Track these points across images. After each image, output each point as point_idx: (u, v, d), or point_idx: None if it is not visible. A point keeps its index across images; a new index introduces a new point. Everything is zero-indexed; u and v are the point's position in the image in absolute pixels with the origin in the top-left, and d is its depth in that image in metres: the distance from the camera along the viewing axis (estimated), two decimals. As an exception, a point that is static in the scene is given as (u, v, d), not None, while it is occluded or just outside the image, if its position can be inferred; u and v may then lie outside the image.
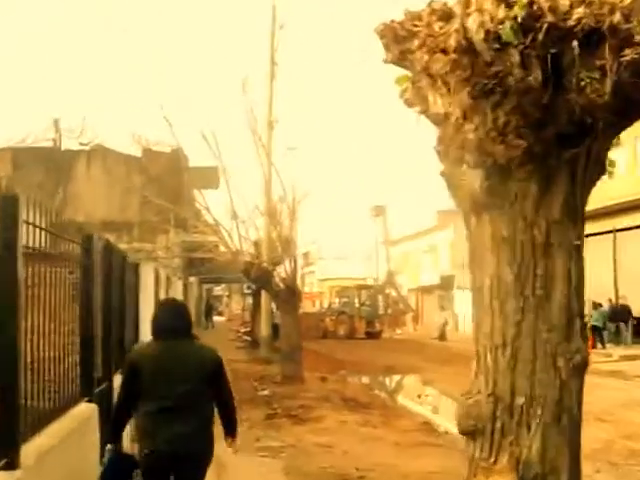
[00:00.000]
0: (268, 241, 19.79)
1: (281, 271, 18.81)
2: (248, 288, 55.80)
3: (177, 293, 23.73)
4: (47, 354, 4.76)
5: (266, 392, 16.50)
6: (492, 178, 3.29)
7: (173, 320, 5.01)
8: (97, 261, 6.55)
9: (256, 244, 19.45)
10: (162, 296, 16.12)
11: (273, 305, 22.88)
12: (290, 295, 18.10)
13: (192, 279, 33.60)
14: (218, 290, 70.55)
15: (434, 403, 18.63)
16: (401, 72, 3.49)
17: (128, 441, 6.62)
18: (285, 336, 18.43)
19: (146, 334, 9.06)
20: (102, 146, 25.59)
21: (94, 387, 6.40)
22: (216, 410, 5.06)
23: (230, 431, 5.20)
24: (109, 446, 5.10)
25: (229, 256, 18.33)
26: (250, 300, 63.80)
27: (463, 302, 47.45)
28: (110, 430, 5.23)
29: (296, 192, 17.47)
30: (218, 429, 5.18)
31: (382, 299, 43.14)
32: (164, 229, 22.13)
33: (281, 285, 18.26)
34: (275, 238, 18.22)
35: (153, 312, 5.36)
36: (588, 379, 3.66)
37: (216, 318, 56.29)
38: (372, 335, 41.86)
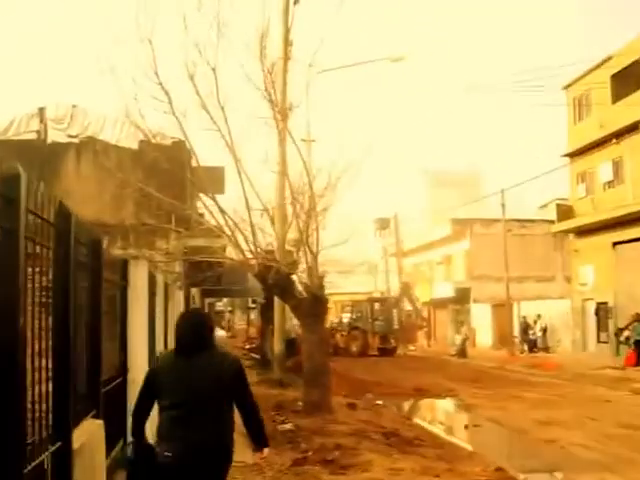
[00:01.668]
0: (282, 237, 16.70)
1: (302, 276, 15.81)
2: (253, 302, 53.04)
3: (178, 306, 20.79)
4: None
5: (288, 426, 13.44)
6: None
7: (194, 336, 5.01)
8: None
9: (271, 250, 16.33)
10: (160, 308, 13.24)
11: (294, 320, 19.81)
12: (315, 305, 15.07)
13: (194, 291, 30.52)
14: (220, 306, 67.46)
15: (490, 437, 15.59)
16: None
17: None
18: (308, 355, 15.38)
19: (139, 356, 8.79)
20: (93, 138, 22.42)
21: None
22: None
23: (259, 441, 5.25)
24: (131, 439, 5.26)
25: (241, 258, 15.30)
26: (253, 315, 61.44)
27: (480, 316, 44.57)
28: (132, 426, 5.25)
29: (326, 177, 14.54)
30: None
31: (397, 313, 40.06)
32: (164, 232, 18.90)
33: (304, 293, 15.27)
34: (298, 229, 15.05)
35: (176, 323, 5.28)
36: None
37: (219, 334, 53.22)
38: (386, 352, 38.93)
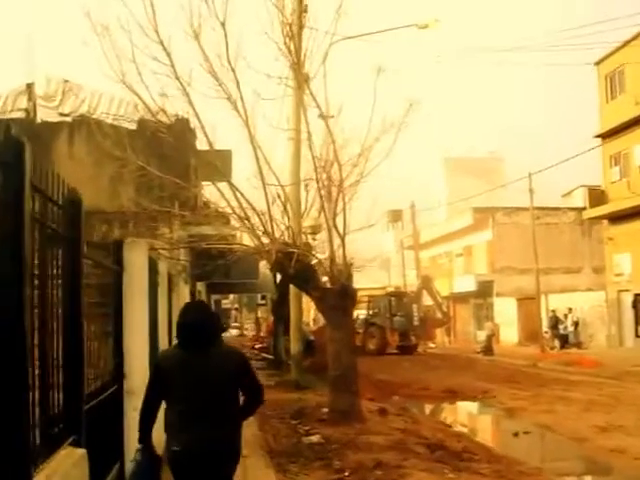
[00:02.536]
0: (299, 222, 14.61)
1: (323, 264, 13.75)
2: (262, 298, 51.08)
3: (183, 302, 18.78)
4: None
5: (315, 438, 11.34)
6: None
7: (198, 331, 4.90)
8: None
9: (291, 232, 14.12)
10: (163, 301, 11.29)
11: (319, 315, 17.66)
12: (342, 297, 13.00)
13: (200, 286, 28.43)
14: (226, 303, 65.42)
15: (546, 447, 13.51)
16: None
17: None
18: (335, 356, 13.27)
19: (138, 359, 7.54)
20: (88, 117, 20.16)
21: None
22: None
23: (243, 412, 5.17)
24: (139, 446, 5.03)
25: (256, 245, 13.23)
26: (261, 313, 59.52)
27: (504, 311, 42.34)
28: (139, 429, 5.04)
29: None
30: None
31: (417, 308, 37.82)
32: (167, 219, 16.71)
33: (328, 284, 13.19)
34: (322, 208, 12.92)
35: (180, 316, 5.11)
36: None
37: (230, 333, 51.36)
38: (406, 349, 36.64)
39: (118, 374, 7.08)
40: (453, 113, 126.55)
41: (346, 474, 9.05)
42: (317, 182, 12.73)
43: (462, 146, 70.00)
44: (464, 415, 18.29)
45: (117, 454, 6.80)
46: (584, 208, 38.67)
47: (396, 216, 64.05)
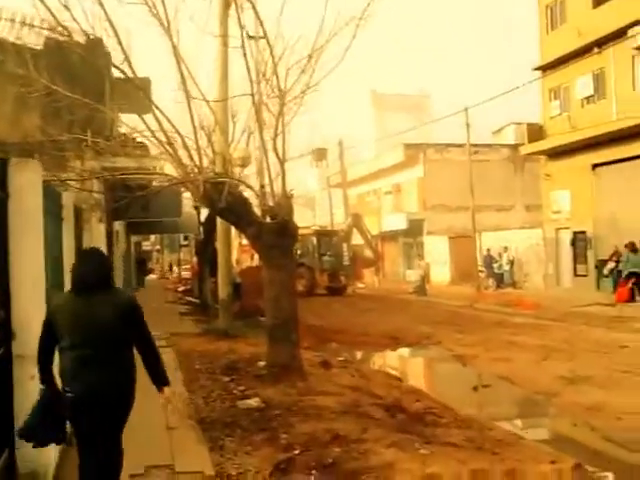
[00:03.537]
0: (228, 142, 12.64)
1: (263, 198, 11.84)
2: (185, 239, 48.78)
3: (97, 243, 16.62)
4: None
5: (253, 402, 9.53)
6: None
7: (91, 274, 4.99)
8: None
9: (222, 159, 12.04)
10: (69, 240, 9.28)
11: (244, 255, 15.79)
12: (281, 235, 11.16)
13: (119, 226, 26.10)
14: (147, 245, 62.85)
15: (516, 407, 12.11)
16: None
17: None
18: (273, 301, 11.45)
19: (31, 314, 5.94)
20: (-14, 34, 17.37)
21: None
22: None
23: (158, 380, 5.13)
24: (41, 386, 5.07)
25: (180, 173, 11.17)
26: (183, 255, 57.25)
27: (435, 250, 41.27)
28: (39, 372, 5.10)
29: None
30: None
31: (347, 248, 36.25)
32: (78, 149, 14.43)
33: (267, 218, 11.30)
34: (259, 126, 10.90)
35: (73, 262, 5.30)
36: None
37: (150, 277, 49.07)
38: (336, 291, 35.31)
39: (5, 335, 5.85)
40: (382, 47, 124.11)
41: (297, 452, 7.30)
42: (252, 96, 10.65)
43: (390, 82, 68.30)
44: (413, 365, 16.87)
45: (5, 438, 5.73)
46: (517, 145, 37.55)
47: (321, 154, 62.22)
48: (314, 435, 7.89)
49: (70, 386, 4.85)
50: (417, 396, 11.10)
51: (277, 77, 10.08)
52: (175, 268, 58.61)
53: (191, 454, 7.36)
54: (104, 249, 19.12)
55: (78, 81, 14.04)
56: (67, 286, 8.53)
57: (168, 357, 13.75)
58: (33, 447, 5.19)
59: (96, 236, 16.44)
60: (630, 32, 25.64)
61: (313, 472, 6.79)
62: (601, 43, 27.45)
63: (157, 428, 8.15)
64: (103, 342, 4.84)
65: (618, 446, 8.82)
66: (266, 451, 7.42)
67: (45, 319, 5.12)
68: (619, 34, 26.23)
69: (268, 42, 9.97)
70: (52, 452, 6.13)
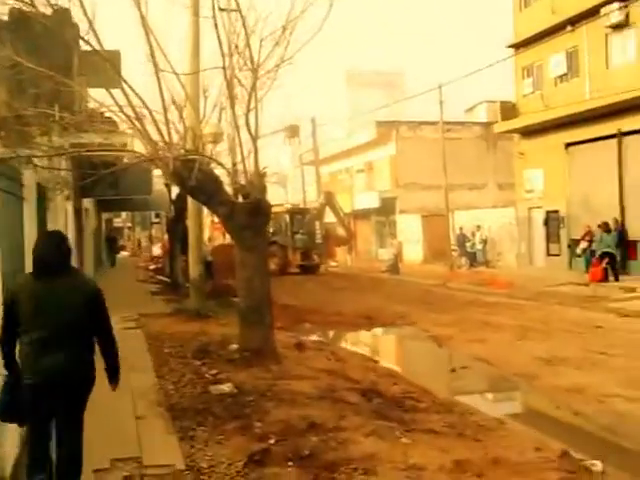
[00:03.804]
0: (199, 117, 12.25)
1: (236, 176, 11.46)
2: (156, 216, 48.19)
3: (64, 221, 16.16)
4: None
5: (226, 387, 9.23)
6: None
7: (50, 257, 4.95)
8: None
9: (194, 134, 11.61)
10: (31, 221, 8.94)
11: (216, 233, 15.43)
12: (254, 214, 10.83)
13: (88, 203, 25.50)
14: (118, 222, 62.08)
15: (496, 389, 11.92)
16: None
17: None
18: (245, 283, 11.14)
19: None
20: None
21: None
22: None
23: (110, 374, 5.23)
24: (5, 372, 5.07)
25: (149, 150, 10.75)
26: (155, 232, 56.62)
27: (408, 228, 41.10)
28: (2, 357, 5.09)
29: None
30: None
31: (319, 226, 35.93)
32: (44, 124, 13.75)
33: (239, 197, 10.94)
34: (230, 101, 10.50)
35: (34, 245, 5.15)
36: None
37: (122, 254, 48.32)
38: (308, 269, 35.13)
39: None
40: (356, 23, 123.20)
41: (272, 442, 7.01)
42: (224, 69, 10.24)
43: (364, 60, 67.86)
44: (389, 347, 16.61)
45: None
46: (490, 123, 37.36)
47: (293, 132, 61.69)
48: (289, 423, 7.62)
49: (30, 371, 4.86)
50: (394, 379, 10.87)
51: (250, 49, 9.69)
52: (145, 244, 57.97)
53: (160, 445, 7.05)
54: (72, 227, 18.66)
55: (44, 53, 13.44)
56: (29, 270, 8.21)
57: (137, 339, 13.42)
58: None
59: (63, 215, 15.96)
60: (603, 10, 25.46)
61: (289, 464, 6.51)
62: (574, 21, 27.24)
63: (124, 417, 7.83)
64: (64, 326, 4.86)
65: (604, 430, 8.63)
66: (239, 440, 7.13)
67: (5, 303, 5.12)
68: (593, 12, 26.04)
69: (240, 13, 9.56)
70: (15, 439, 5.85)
